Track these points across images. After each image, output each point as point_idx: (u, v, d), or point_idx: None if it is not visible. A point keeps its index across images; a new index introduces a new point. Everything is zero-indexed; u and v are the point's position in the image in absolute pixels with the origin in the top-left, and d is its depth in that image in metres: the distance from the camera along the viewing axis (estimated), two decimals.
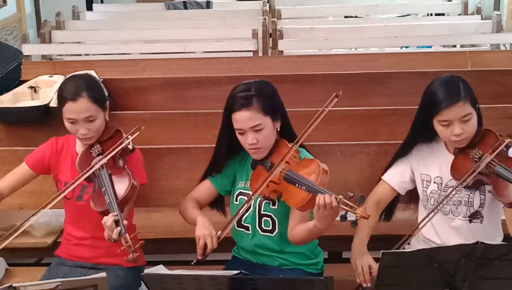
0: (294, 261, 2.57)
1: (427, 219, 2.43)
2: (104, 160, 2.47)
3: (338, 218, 2.21)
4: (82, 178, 2.46)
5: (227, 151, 2.57)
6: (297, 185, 2.32)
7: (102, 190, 2.41)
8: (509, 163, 2.40)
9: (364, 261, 2.48)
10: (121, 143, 2.50)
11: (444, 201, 2.45)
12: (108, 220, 2.29)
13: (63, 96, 2.53)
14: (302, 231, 2.40)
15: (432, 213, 2.42)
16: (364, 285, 2.46)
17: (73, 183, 2.48)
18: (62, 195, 2.50)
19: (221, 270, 2.32)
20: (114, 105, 3.53)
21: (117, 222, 2.28)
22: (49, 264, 2.77)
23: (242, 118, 2.42)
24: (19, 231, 2.43)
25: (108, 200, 2.37)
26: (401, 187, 2.64)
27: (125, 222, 2.30)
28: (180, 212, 2.66)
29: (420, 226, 2.43)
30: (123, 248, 2.26)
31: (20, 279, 2.79)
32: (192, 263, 2.42)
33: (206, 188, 2.65)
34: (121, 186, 2.43)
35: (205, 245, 2.40)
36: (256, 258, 2.59)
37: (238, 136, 2.47)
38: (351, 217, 2.16)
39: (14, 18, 6.99)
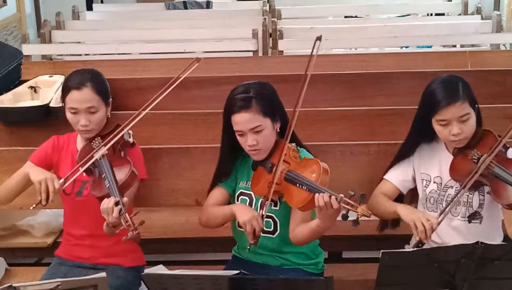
0: (294, 261, 2.58)
1: (448, 207, 2.40)
2: (104, 149, 2.49)
3: (339, 217, 2.21)
4: (84, 167, 2.48)
5: (231, 153, 2.57)
6: (298, 185, 2.32)
7: (102, 176, 2.43)
8: (508, 164, 2.40)
9: (420, 216, 2.35)
10: (122, 130, 2.52)
11: (449, 207, 2.42)
12: (109, 202, 2.30)
13: (67, 86, 2.57)
14: (305, 231, 2.39)
15: (441, 217, 2.39)
16: (425, 242, 2.33)
17: (74, 172, 2.49)
18: (67, 183, 2.50)
19: (221, 270, 2.32)
20: (114, 105, 3.52)
21: (117, 203, 2.30)
22: (49, 264, 2.77)
23: (242, 120, 2.42)
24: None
25: (108, 184, 2.38)
26: (404, 186, 2.64)
27: (124, 199, 2.32)
28: (204, 222, 2.63)
29: (445, 211, 2.40)
30: (123, 227, 2.27)
31: (20, 279, 2.80)
32: (248, 250, 2.41)
33: (220, 194, 2.62)
34: (122, 173, 2.46)
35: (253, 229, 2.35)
36: (257, 258, 2.59)
37: (238, 138, 2.47)
38: (353, 216, 2.16)
39: (14, 18, 6.98)
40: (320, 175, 2.30)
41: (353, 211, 2.13)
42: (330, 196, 2.18)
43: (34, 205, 2.44)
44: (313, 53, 2.35)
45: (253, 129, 2.42)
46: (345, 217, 2.16)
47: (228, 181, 2.61)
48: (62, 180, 2.45)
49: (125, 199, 2.33)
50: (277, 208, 2.50)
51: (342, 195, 2.17)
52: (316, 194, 2.21)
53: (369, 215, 2.13)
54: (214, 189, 2.64)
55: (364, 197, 2.14)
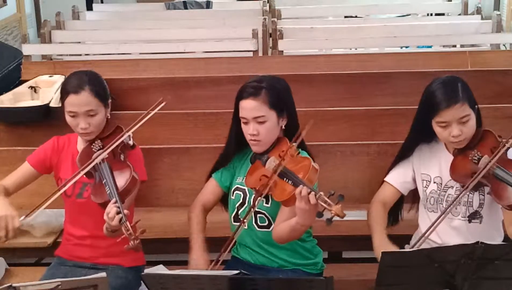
0: (293, 262, 2.57)
1: (436, 224, 2.39)
2: (105, 154, 2.48)
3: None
4: (83, 172, 2.48)
5: (236, 143, 2.57)
6: (285, 179, 2.32)
7: (103, 182, 2.43)
8: (508, 165, 2.40)
9: None
10: (122, 136, 2.52)
11: (451, 206, 2.42)
12: (111, 210, 2.29)
13: (65, 89, 2.57)
14: (285, 227, 2.39)
15: (441, 218, 2.40)
16: None
17: (74, 177, 2.49)
18: (63, 189, 2.52)
19: (221, 270, 2.32)
20: (114, 105, 3.52)
21: (118, 212, 2.29)
22: (49, 264, 2.77)
23: (247, 107, 2.44)
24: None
25: (109, 191, 2.38)
26: (404, 187, 2.64)
27: (125, 211, 2.31)
28: (188, 218, 2.66)
29: (430, 231, 2.39)
30: (124, 236, 2.26)
31: (20, 279, 2.79)
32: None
33: (212, 190, 2.65)
34: (122, 178, 2.45)
35: None
36: (255, 259, 2.59)
37: (242, 125, 2.48)
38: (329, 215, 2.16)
39: (14, 18, 6.99)
40: (308, 172, 2.30)
41: (328, 209, 2.13)
42: (309, 192, 2.19)
43: None
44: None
45: (256, 118, 2.43)
46: (320, 214, 2.16)
47: (223, 176, 2.62)
48: (22, 217, 2.45)
49: (126, 211, 2.31)
50: (269, 205, 2.50)
51: (321, 193, 2.17)
52: (300, 185, 2.22)
53: (343, 216, 2.11)
54: (209, 181, 2.66)
55: (342, 198, 2.13)
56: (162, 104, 2.64)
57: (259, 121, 2.43)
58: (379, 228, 2.53)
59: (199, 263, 2.47)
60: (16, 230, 2.45)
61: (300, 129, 2.40)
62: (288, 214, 2.40)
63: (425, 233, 2.39)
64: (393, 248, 2.43)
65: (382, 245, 2.43)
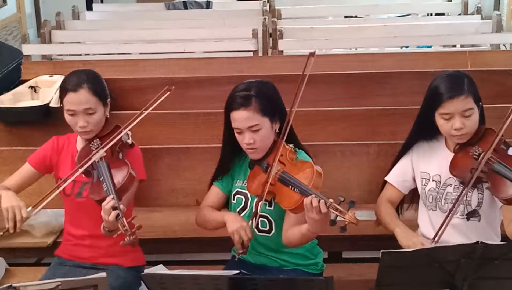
0: (293, 262, 2.57)
1: (444, 225, 2.40)
2: (102, 151, 2.49)
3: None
4: (82, 169, 2.49)
5: (232, 150, 2.57)
6: (290, 187, 2.31)
7: (100, 179, 2.43)
8: (509, 161, 2.40)
9: (415, 242, 2.41)
10: (120, 133, 2.53)
11: (457, 205, 2.43)
12: (107, 203, 2.30)
13: (64, 87, 2.57)
14: (296, 234, 2.38)
15: (448, 218, 2.41)
16: None
17: (73, 173, 2.50)
18: (62, 187, 2.53)
19: (221, 270, 2.32)
20: (114, 105, 3.51)
21: (114, 208, 2.30)
22: (49, 264, 2.78)
23: (240, 118, 2.42)
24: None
25: (106, 188, 2.38)
26: (404, 187, 2.65)
27: (121, 206, 2.31)
28: (200, 223, 2.64)
29: (440, 233, 2.40)
30: (120, 232, 2.27)
31: (20, 279, 2.79)
32: (236, 259, 2.43)
33: (215, 195, 2.64)
34: (119, 175, 2.46)
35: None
36: (256, 259, 2.59)
37: (236, 135, 2.47)
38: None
39: (14, 18, 6.98)
40: (313, 178, 2.29)
41: (341, 217, 2.12)
42: (319, 201, 2.17)
43: (1, 233, 2.47)
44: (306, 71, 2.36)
45: (250, 127, 2.41)
46: (333, 222, 2.14)
47: (224, 182, 2.62)
48: (30, 208, 2.46)
49: (122, 206, 2.32)
50: (272, 208, 2.50)
51: (332, 200, 2.16)
52: (305, 198, 2.21)
53: (357, 222, 2.11)
54: (211, 188, 2.65)
55: (353, 204, 2.12)
56: (167, 94, 2.63)
57: (253, 130, 2.42)
58: (395, 219, 2.56)
59: (237, 219, 2.43)
60: (23, 221, 2.45)
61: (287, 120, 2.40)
62: (295, 218, 2.40)
63: (434, 237, 2.40)
64: (415, 235, 2.47)
65: (405, 231, 2.46)
